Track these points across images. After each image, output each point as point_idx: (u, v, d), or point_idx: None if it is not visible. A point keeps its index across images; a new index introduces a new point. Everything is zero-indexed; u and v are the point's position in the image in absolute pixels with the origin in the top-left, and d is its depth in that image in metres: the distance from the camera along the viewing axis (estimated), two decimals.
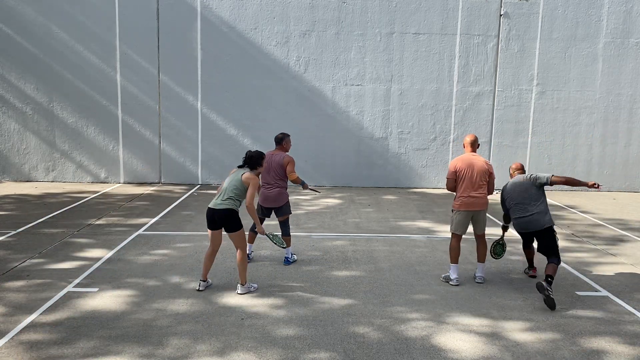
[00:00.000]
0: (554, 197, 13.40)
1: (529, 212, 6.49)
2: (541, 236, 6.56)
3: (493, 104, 14.19)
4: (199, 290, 6.24)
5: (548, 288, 5.84)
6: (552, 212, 11.32)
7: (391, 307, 5.89)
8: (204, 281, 6.32)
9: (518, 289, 6.55)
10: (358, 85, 14.02)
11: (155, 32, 13.64)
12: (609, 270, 7.39)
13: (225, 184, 6.16)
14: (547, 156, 14.35)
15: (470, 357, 4.82)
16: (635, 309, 6.02)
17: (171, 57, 13.71)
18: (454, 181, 6.69)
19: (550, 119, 14.26)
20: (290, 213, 7.44)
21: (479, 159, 6.68)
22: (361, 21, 13.80)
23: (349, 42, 13.85)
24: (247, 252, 7.48)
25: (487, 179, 6.66)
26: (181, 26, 13.65)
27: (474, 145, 6.81)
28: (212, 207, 6.07)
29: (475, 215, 6.71)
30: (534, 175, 6.61)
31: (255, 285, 6.34)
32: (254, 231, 7.52)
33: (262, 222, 7.52)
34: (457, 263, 6.71)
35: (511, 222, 6.89)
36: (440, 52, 13.96)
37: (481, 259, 6.83)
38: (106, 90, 13.78)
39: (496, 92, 14.14)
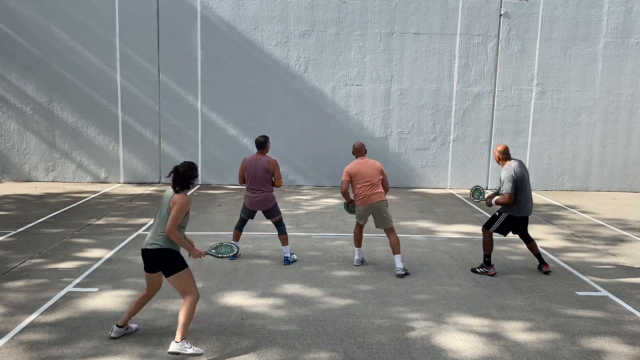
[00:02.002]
0: (554, 197, 13.40)
1: (530, 196, 7.11)
2: (526, 221, 7.20)
3: (493, 104, 14.19)
4: (110, 337, 4.98)
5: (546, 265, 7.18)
6: (552, 212, 11.39)
7: (391, 307, 5.89)
8: (120, 327, 5.00)
9: (518, 289, 6.55)
10: (358, 85, 14.02)
11: (155, 32, 13.64)
12: (609, 270, 7.39)
13: (156, 215, 4.95)
14: (547, 156, 14.35)
15: (470, 357, 4.82)
16: (635, 309, 6.02)
17: (171, 57, 13.71)
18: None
19: (550, 119, 14.26)
20: (280, 214, 7.47)
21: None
22: (361, 21, 13.80)
23: (349, 42, 13.85)
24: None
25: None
26: (181, 26, 13.65)
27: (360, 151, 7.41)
28: (144, 247, 4.85)
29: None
30: None
31: (190, 349, 4.59)
32: (239, 230, 7.56)
33: (245, 223, 7.58)
34: (359, 247, 7.47)
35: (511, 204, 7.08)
36: (440, 52, 13.96)
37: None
38: (106, 90, 13.78)
39: (496, 92, 14.14)
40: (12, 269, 6.92)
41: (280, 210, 7.69)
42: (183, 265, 4.78)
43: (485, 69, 14.03)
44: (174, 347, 4.57)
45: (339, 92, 14.03)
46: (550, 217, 10.95)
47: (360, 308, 5.85)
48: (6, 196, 11.93)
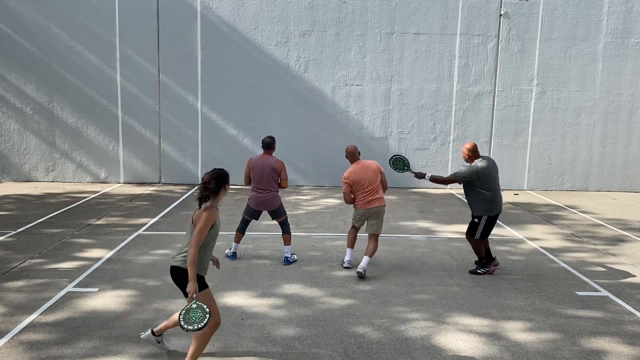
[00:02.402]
0: (554, 197, 13.40)
1: (500, 195, 7.11)
2: (496, 219, 7.11)
3: (493, 104, 14.18)
4: (140, 337, 4.81)
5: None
6: (552, 212, 11.39)
7: (391, 307, 5.89)
8: (154, 335, 4.67)
9: (518, 289, 6.55)
10: (358, 85, 14.02)
11: (155, 32, 13.64)
12: (609, 270, 7.39)
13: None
14: (547, 156, 14.35)
15: (470, 357, 4.82)
16: (635, 309, 6.02)
17: (171, 57, 13.71)
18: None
19: (550, 119, 14.25)
20: (286, 214, 7.48)
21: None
22: (361, 21, 13.80)
23: (349, 42, 13.85)
24: (232, 250, 7.51)
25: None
26: (181, 26, 13.65)
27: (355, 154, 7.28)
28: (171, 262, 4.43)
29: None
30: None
31: None
32: (241, 232, 7.55)
33: (247, 225, 7.58)
34: (352, 247, 7.34)
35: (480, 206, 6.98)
36: (440, 52, 13.96)
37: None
38: (106, 90, 13.78)
39: (496, 92, 14.14)
40: (12, 269, 6.92)
41: None
42: (201, 287, 4.27)
43: (485, 69, 14.03)
44: None
45: (339, 92, 14.03)
46: (550, 217, 10.95)
47: (360, 308, 5.85)
48: (6, 196, 11.93)
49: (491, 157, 14.18)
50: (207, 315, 3.99)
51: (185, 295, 4.20)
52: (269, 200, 7.26)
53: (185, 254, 4.27)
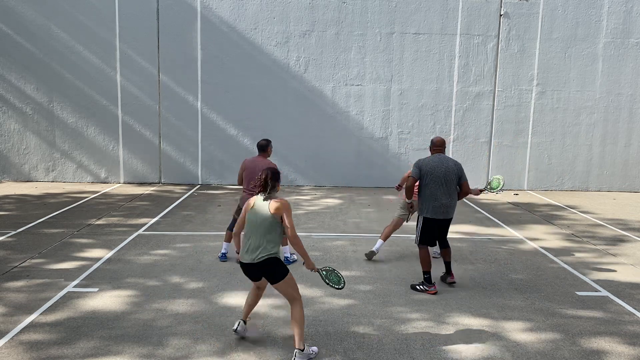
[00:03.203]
0: (554, 197, 13.40)
1: (445, 197, 6.32)
2: (444, 225, 6.52)
3: (493, 104, 14.18)
4: (235, 331, 5.02)
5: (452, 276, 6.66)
6: (552, 212, 11.39)
7: (391, 307, 5.89)
8: (244, 322, 5.10)
9: (518, 289, 6.55)
10: (358, 85, 14.02)
11: (155, 32, 13.64)
12: (609, 270, 7.39)
13: (249, 227, 4.78)
14: (547, 156, 14.35)
15: (470, 357, 4.82)
16: (635, 309, 6.01)
17: (171, 57, 13.71)
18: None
19: (550, 119, 14.26)
20: None
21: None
22: (361, 21, 13.80)
23: (349, 42, 13.85)
24: (223, 251, 7.50)
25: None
26: (181, 26, 13.65)
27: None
28: (246, 262, 4.73)
29: None
30: (460, 165, 6.47)
31: (315, 349, 4.82)
32: (232, 230, 7.53)
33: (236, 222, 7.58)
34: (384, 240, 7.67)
35: (419, 204, 6.52)
36: (440, 52, 13.96)
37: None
38: (106, 90, 13.78)
39: (496, 92, 14.14)
40: (12, 269, 6.92)
41: None
42: (287, 270, 4.81)
43: (485, 69, 14.03)
44: (300, 356, 4.58)
45: (339, 92, 14.03)
46: (550, 217, 10.95)
47: (360, 308, 5.85)
48: (6, 196, 11.93)
49: (490, 157, 14.20)
50: (342, 284, 4.98)
51: (275, 281, 4.72)
52: None
53: (271, 245, 4.73)
